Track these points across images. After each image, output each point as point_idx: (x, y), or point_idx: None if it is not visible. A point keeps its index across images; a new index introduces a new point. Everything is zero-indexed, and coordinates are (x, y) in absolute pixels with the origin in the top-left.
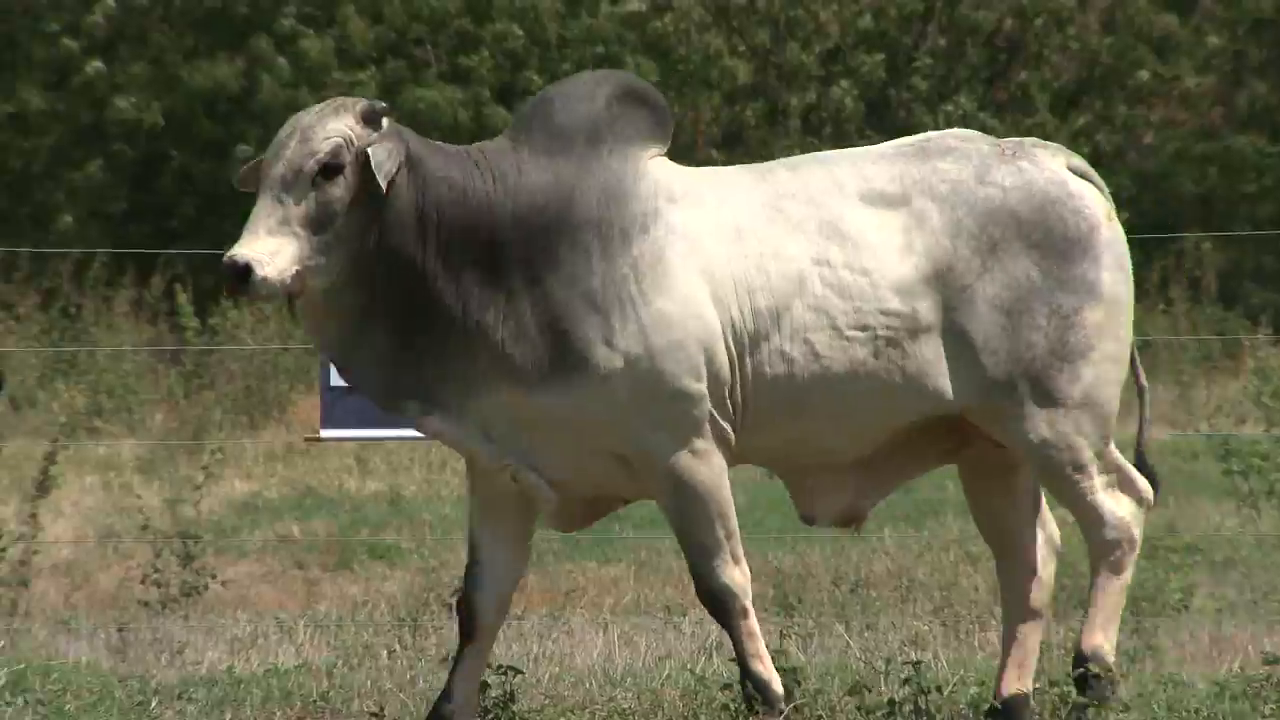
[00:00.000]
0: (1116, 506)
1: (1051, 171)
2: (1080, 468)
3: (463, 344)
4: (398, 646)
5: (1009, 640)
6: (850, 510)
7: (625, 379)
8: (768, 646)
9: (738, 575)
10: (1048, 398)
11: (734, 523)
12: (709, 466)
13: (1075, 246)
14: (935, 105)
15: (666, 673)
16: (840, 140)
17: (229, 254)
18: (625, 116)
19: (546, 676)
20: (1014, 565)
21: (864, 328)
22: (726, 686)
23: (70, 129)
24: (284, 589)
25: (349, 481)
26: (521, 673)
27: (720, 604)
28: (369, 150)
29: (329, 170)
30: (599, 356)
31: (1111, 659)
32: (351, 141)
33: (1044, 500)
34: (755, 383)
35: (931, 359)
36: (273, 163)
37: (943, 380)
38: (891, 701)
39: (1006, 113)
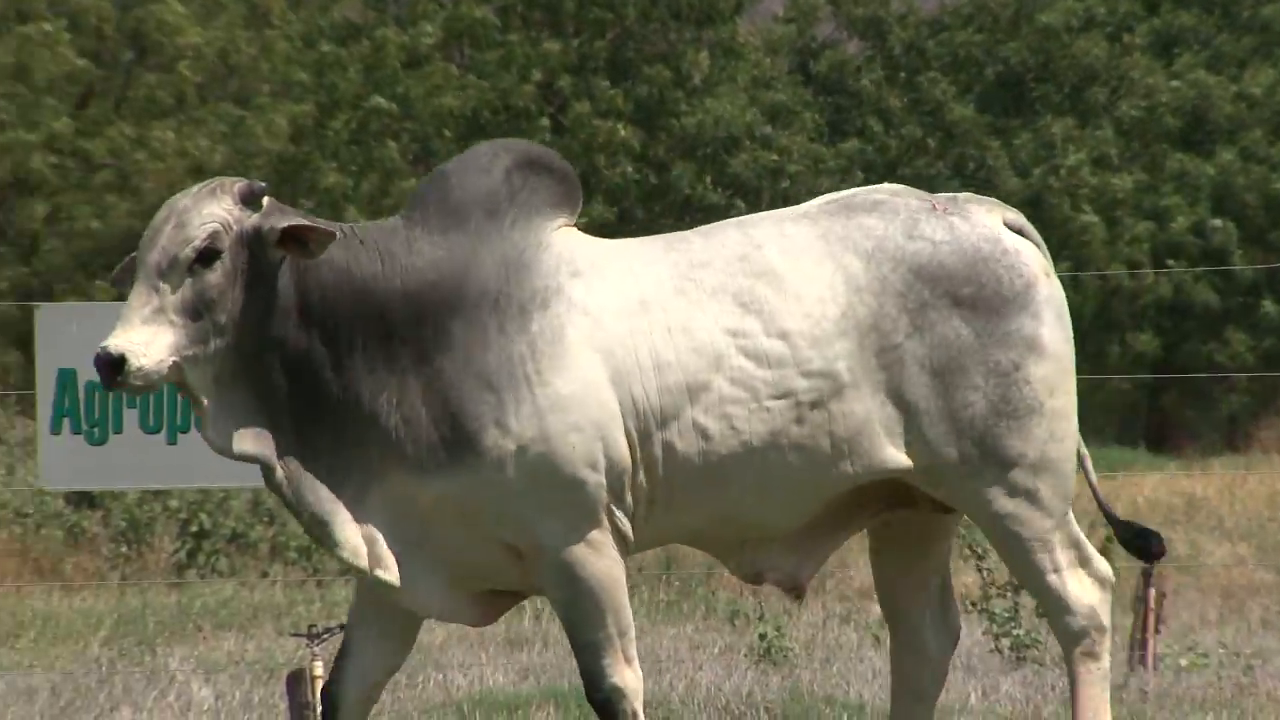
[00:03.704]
0: (1081, 590)
1: (985, 227)
2: (1041, 540)
3: (357, 433)
4: None
5: None
6: (792, 578)
7: (518, 463)
8: None
9: (629, 676)
10: (998, 459)
11: (628, 620)
12: (603, 559)
13: (1010, 303)
14: None
15: None
16: None
17: (102, 344)
18: (529, 186)
19: None
20: (907, 647)
21: (786, 394)
22: None
23: None
24: None
25: None
26: None
27: (609, 707)
28: (258, 227)
29: (206, 256)
30: (491, 439)
31: None
32: (230, 225)
33: (951, 586)
34: (667, 460)
35: (862, 419)
36: (148, 249)
37: (876, 443)
38: None
39: None
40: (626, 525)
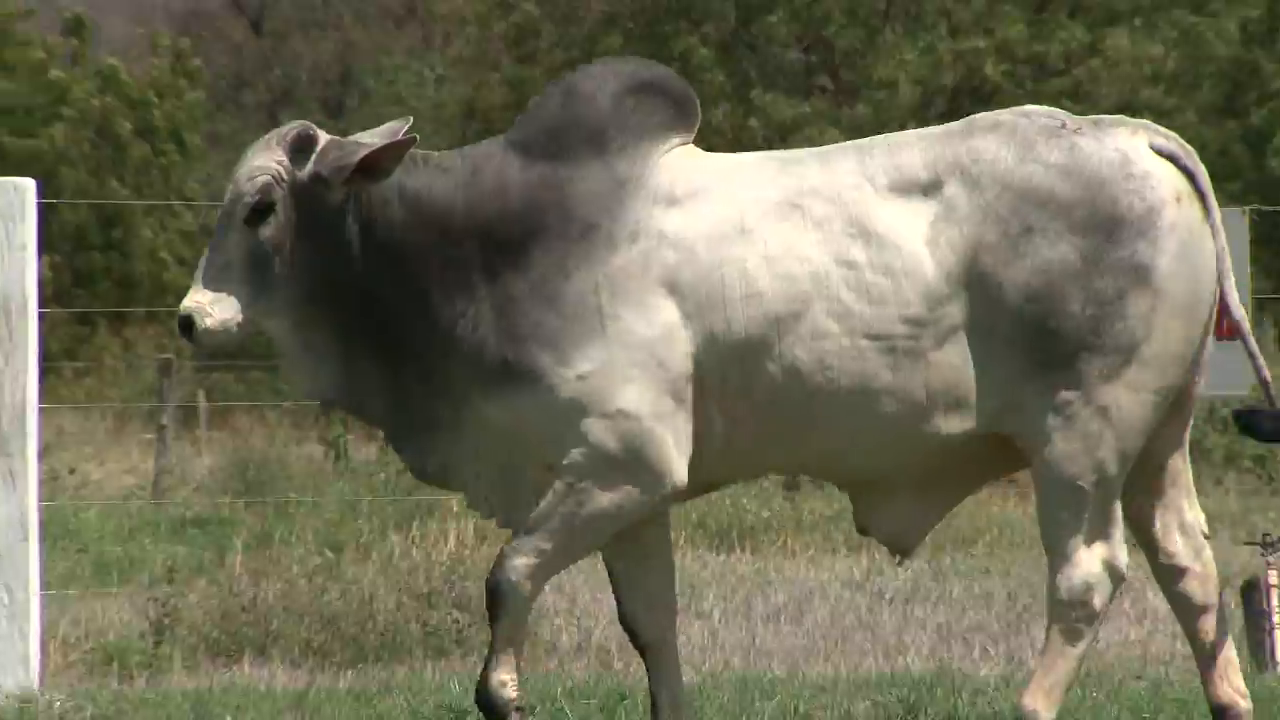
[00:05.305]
0: (1089, 562)
1: (1113, 150)
2: (1075, 489)
3: (439, 361)
4: None
5: (1193, 646)
6: (900, 537)
7: (573, 391)
8: None
9: (528, 584)
10: (1071, 391)
11: (576, 556)
12: (611, 500)
13: (1126, 227)
14: None
15: None
16: None
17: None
18: (640, 109)
19: None
20: (1164, 565)
21: (882, 336)
22: None
23: None
24: None
25: None
26: None
27: (499, 597)
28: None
29: (260, 210)
30: (549, 363)
31: None
32: (281, 177)
33: (1188, 486)
34: (755, 390)
35: (959, 366)
36: (221, 207)
37: (972, 392)
38: None
39: None
40: (675, 474)
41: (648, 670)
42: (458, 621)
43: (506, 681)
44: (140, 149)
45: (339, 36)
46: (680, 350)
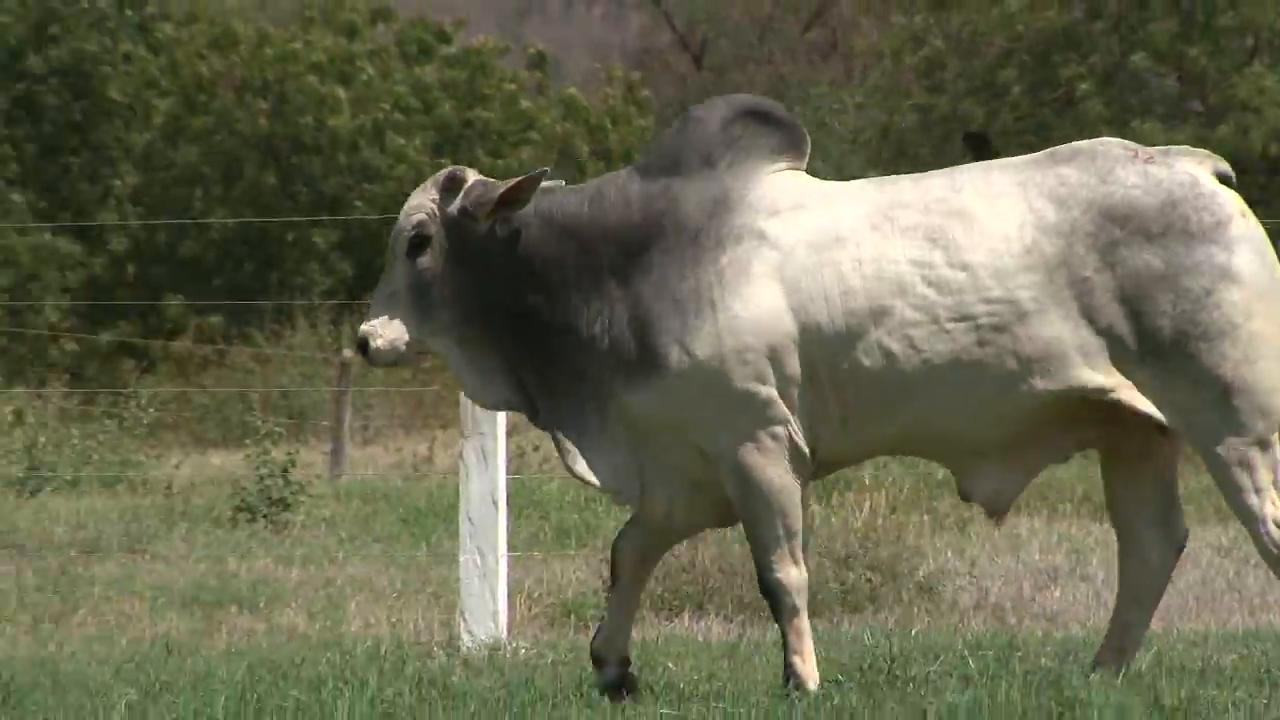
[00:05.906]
0: (1277, 511)
1: (1183, 174)
2: (1238, 457)
3: (584, 363)
4: None
5: (1114, 624)
6: (995, 497)
7: (697, 378)
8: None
9: (793, 574)
10: (1190, 378)
11: (797, 523)
12: (774, 466)
13: (1199, 237)
14: None
15: None
16: None
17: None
18: (749, 135)
19: None
20: (1129, 555)
21: (965, 318)
22: None
23: None
24: None
25: None
26: None
27: (773, 599)
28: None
29: (418, 243)
30: (674, 356)
31: None
32: (435, 214)
33: (1177, 499)
34: (856, 377)
35: (1050, 341)
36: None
37: (1068, 363)
38: None
39: None
40: (801, 439)
41: (609, 597)
42: (870, 581)
43: (809, 665)
44: (597, 168)
45: (771, 70)
46: (783, 329)
